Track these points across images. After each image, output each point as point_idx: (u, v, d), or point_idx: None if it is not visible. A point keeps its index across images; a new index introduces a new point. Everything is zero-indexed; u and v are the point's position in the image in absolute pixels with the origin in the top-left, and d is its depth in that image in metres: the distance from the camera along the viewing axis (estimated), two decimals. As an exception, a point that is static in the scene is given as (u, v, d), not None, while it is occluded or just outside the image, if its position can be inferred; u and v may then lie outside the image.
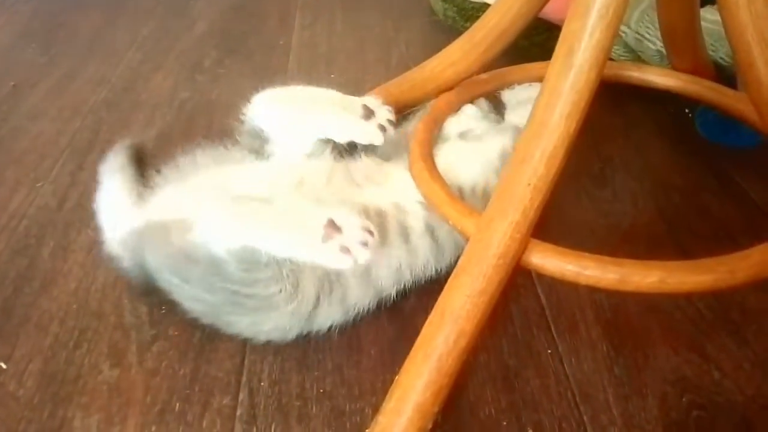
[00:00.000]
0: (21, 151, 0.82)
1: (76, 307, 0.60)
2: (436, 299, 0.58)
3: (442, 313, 0.46)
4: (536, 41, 0.86)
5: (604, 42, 0.45)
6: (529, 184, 0.46)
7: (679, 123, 0.82)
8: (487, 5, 1.01)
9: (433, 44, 1.07)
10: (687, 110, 0.83)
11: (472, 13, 1.04)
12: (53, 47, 1.09)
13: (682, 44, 0.68)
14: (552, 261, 0.47)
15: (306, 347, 0.56)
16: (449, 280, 0.47)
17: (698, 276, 0.46)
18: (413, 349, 0.47)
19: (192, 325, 0.58)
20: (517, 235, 0.46)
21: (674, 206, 0.69)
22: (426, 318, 0.54)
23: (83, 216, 0.71)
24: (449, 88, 0.69)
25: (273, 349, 0.56)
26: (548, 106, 0.46)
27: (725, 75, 0.72)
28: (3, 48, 1.10)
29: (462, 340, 0.45)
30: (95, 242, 0.67)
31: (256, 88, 0.93)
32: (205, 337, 0.57)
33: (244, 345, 0.56)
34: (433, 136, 0.65)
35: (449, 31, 1.09)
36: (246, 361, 0.55)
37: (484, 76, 0.70)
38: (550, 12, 0.65)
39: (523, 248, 0.47)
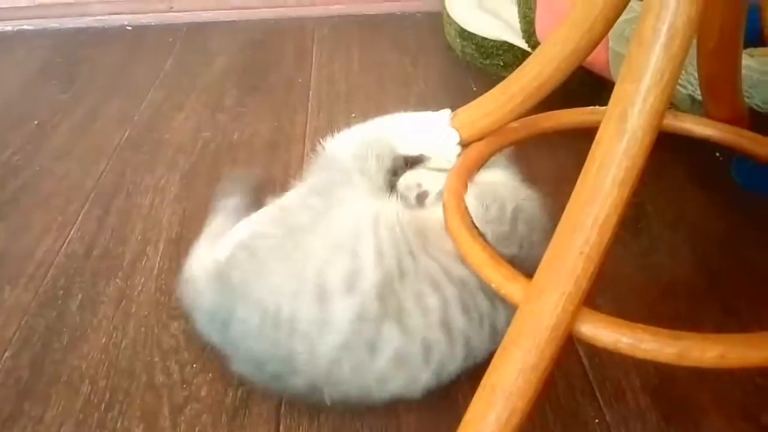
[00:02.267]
0: (47, 194, 0.81)
1: (107, 365, 0.59)
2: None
3: (493, 389, 0.44)
4: (570, 87, 0.85)
5: (658, 107, 0.44)
6: (582, 253, 0.45)
7: (710, 169, 0.81)
8: (507, 43, 1.01)
9: (452, 81, 1.09)
10: (718, 154, 0.81)
11: (491, 51, 1.04)
12: (75, 83, 1.08)
13: (721, 92, 0.67)
14: (605, 332, 0.46)
15: (342, 412, 0.54)
16: (498, 353, 0.46)
17: (761, 351, 0.44)
18: (462, 425, 0.45)
19: (225, 385, 0.56)
20: (570, 307, 0.45)
21: (714, 259, 0.68)
22: (463, 385, 0.54)
23: (111, 265, 0.70)
24: (480, 138, 0.68)
25: (308, 413, 0.54)
26: (600, 172, 0.45)
27: (762, 122, 0.71)
28: (24, 84, 1.10)
29: (514, 418, 0.44)
30: (124, 294, 0.66)
31: (278, 128, 0.93)
32: (237, 400, 0.56)
33: (277, 409, 0.55)
34: (467, 188, 0.63)
35: (467, 67, 1.09)
36: (281, 427, 0.53)
37: (514, 124, 0.69)
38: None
39: (575, 319, 0.45)
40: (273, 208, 0.63)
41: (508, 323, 0.52)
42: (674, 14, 0.42)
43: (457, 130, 0.67)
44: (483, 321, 0.53)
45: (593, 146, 0.46)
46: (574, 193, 0.46)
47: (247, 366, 0.54)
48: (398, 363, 0.51)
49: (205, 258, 0.60)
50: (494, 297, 0.54)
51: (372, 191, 0.59)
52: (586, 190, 0.46)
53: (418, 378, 0.51)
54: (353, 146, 0.62)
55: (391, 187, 0.63)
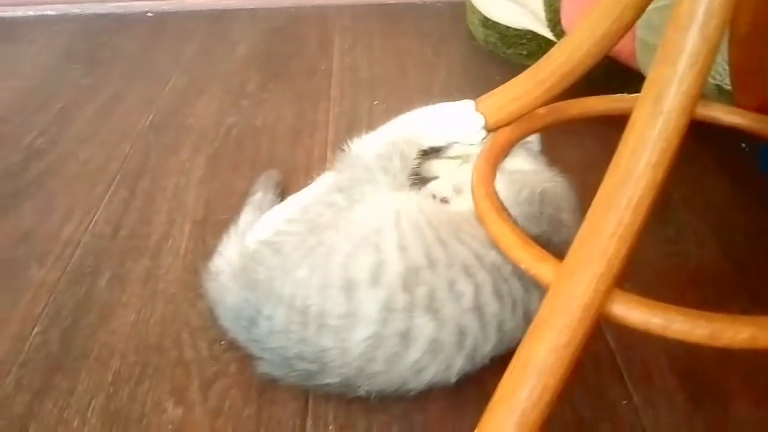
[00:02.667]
0: (72, 176, 0.82)
1: (136, 341, 0.60)
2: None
3: (524, 366, 0.45)
4: (595, 75, 0.85)
5: (693, 89, 0.44)
6: (615, 234, 0.45)
7: (736, 158, 0.80)
8: (531, 32, 1.01)
9: (475, 70, 1.09)
10: (744, 145, 0.81)
11: (515, 40, 1.04)
12: (97, 68, 1.09)
13: (751, 82, 0.67)
14: (636, 313, 0.46)
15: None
16: (529, 331, 0.46)
17: (791, 332, 0.45)
18: (493, 402, 0.45)
19: (252, 362, 0.57)
20: (602, 287, 0.45)
21: (740, 247, 0.68)
22: (489, 365, 0.54)
23: (139, 245, 0.70)
24: (507, 123, 0.68)
25: (336, 390, 0.55)
26: (634, 153, 0.45)
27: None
28: (47, 68, 1.11)
29: (546, 395, 0.44)
30: (151, 273, 0.67)
31: (301, 114, 0.94)
32: (267, 374, 0.56)
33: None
34: (495, 173, 0.64)
35: (490, 56, 1.09)
36: (310, 402, 0.54)
37: (542, 110, 0.69)
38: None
39: (606, 299, 0.46)
40: (295, 204, 0.64)
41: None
42: (711, -4, 0.42)
43: (483, 116, 0.67)
44: (516, 305, 0.53)
45: (627, 128, 0.46)
46: (607, 175, 0.46)
47: (274, 366, 0.54)
48: (432, 351, 0.51)
49: (230, 254, 0.61)
50: (527, 281, 0.54)
51: (395, 189, 0.60)
52: (620, 171, 0.46)
53: (453, 364, 0.52)
54: (378, 146, 0.63)
55: (415, 183, 0.64)
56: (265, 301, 0.53)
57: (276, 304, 0.52)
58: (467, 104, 0.67)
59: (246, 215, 0.67)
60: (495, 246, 0.55)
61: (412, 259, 0.52)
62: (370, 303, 0.50)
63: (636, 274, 0.64)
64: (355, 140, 0.65)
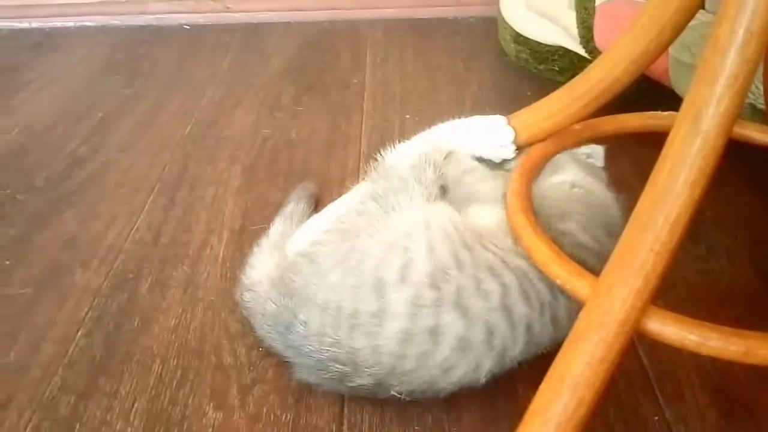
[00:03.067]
0: (114, 184, 0.85)
1: (177, 345, 0.61)
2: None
3: (561, 379, 0.45)
4: (627, 93, 0.85)
5: (732, 110, 0.45)
6: (652, 250, 0.46)
7: (768, 177, 0.80)
8: (563, 48, 1.02)
9: (507, 85, 1.10)
10: (777, 164, 0.81)
11: (547, 56, 1.05)
12: (136, 79, 1.13)
13: (787, 102, 0.67)
14: (672, 329, 0.46)
15: (404, 400, 0.56)
16: (565, 344, 0.47)
17: (827, 352, 0.45)
18: (528, 414, 0.46)
19: (289, 369, 0.58)
20: (638, 303, 0.45)
21: (773, 266, 0.68)
22: (523, 378, 0.55)
23: (178, 252, 0.73)
24: (543, 138, 0.69)
25: (371, 398, 0.56)
26: (673, 171, 0.46)
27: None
28: (87, 79, 1.14)
29: (581, 409, 0.45)
30: (191, 280, 0.69)
31: (335, 127, 0.96)
32: (303, 382, 0.58)
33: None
34: (530, 188, 0.64)
35: (521, 72, 1.10)
36: (345, 410, 0.55)
37: (576, 126, 0.70)
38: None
39: (642, 315, 0.46)
40: (331, 214, 0.66)
41: (567, 315, 0.54)
42: (750, 18, 0.43)
43: (517, 131, 0.68)
44: (544, 309, 0.54)
45: (666, 146, 0.47)
46: (645, 192, 0.47)
47: (309, 370, 0.55)
48: (461, 349, 0.52)
49: (265, 264, 0.62)
50: (554, 287, 0.54)
51: (427, 198, 0.61)
52: (657, 188, 0.46)
53: (482, 364, 0.52)
54: (411, 156, 0.64)
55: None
56: (301, 307, 0.55)
57: (311, 309, 0.54)
58: (499, 119, 0.68)
59: (277, 225, 0.69)
60: (530, 260, 0.56)
61: (439, 260, 0.53)
62: (398, 299, 0.52)
63: (669, 291, 0.65)
64: (389, 150, 0.66)
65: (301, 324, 0.54)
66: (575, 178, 0.63)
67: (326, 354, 0.53)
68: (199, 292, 0.67)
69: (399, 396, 0.53)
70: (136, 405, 0.56)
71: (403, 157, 0.65)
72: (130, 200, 0.82)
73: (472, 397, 0.55)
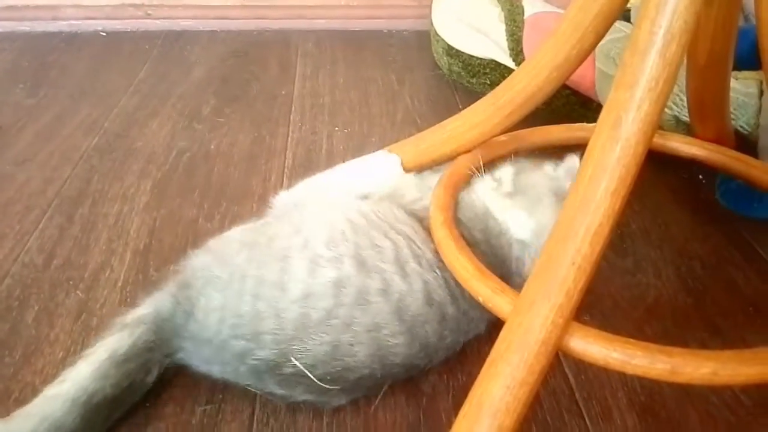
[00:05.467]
0: (6, 201, 0.77)
1: (63, 381, 0.54)
2: (456, 377, 0.55)
3: (480, 406, 0.42)
4: (555, 106, 0.85)
5: (653, 115, 0.43)
6: (573, 264, 0.43)
7: (693, 189, 0.80)
8: (494, 62, 1.01)
9: (439, 98, 1.07)
10: (701, 176, 0.81)
11: (478, 69, 1.04)
12: (42, 89, 1.04)
13: (709, 112, 0.67)
14: (595, 347, 0.44)
15: (319, 430, 0.51)
16: (484, 368, 0.43)
17: (752, 367, 0.43)
18: (447, 444, 0.42)
19: (192, 402, 0.53)
20: (559, 320, 0.43)
21: (698, 278, 0.67)
22: (447, 399, 0.52)
23: (72, 275, 0.65)
24: (468, 150, 0.66)
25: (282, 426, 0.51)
26: (592, 180, 0.44)
27: (745, 144, 0.71)
28: (-13, 88, 1.05)
29: (502, 437, 0.41)
30: (85, 306, 0.62)
31: (258, 140, 0.91)
32: (206, 415, 0.52)
33: (250, 426, 0.51)
34: (455, 201, 0.61)
35: (454, 85, 1.08)
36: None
37: (503, 137, 0.68)
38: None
39: (565, 333, 0.43)
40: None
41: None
42: (671, 19, 0.41)
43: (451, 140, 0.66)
44: (433, 268, 0.54)
45: (585, 155, 0.45)
46: (565, 203, 0.45)
47: (209, 359, 0.52)
48: (361, 304, 0.50)
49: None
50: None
51: None
52: (578, 199, 0.44)
53: (384, 322, 0.51)
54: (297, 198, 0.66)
55: None
56: (201, 290, 0.53)
57: (212, 290, 0.52)
58: (379, 153, 0.69)
59: None
60: (452, 274, 0.53)
61: (335, 230, 0.55)
62: (300, 265, 0.52)
63: (595, 306, 0.63)
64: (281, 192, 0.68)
65: (201, 310, 0.52)
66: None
67: (226, 333, 0.50)
68: (93, 320, 0.60)
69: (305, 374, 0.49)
70: (9, 451, 0.49)
71: (290, 197, 0.67)
72: (21, 218, 0.74)
73: (392, 425, 0.51)
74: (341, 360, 0.49)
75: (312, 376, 0.49)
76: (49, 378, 0.54)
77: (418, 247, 0.55)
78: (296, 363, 0.49)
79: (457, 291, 0.54)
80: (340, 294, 0.50)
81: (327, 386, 0.49)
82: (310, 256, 0.52)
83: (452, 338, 0.55)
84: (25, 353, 0.57)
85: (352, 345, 0.49)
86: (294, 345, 0.49)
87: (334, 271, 0.51)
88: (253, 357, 0.50)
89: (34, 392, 0.53)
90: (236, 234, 0.59)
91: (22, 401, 0.52)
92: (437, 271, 0.54)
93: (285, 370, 0.49)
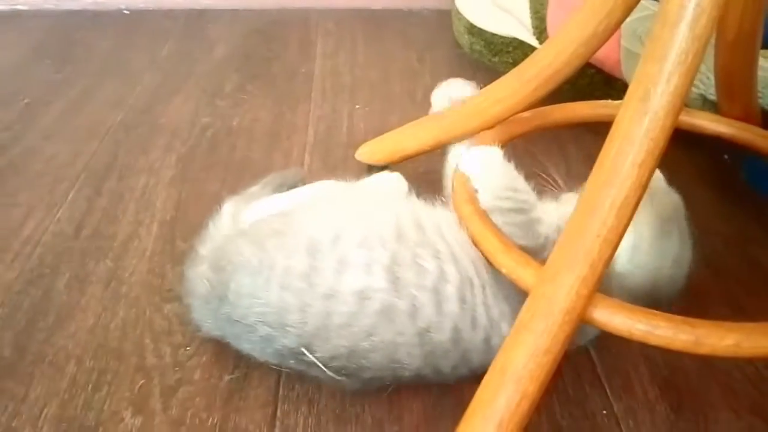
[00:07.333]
0: (35, 174, 0.78)
1: (95, 345, 0.56)
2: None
3: (503, 373, 0.43)
4: (580, 85, 0.84)
5: (681, 88, 0.42)
6: (599, 236, 0.43)
7: (719, 168, 0.80)
8: (517, 40, 1.00)
9: (460, 77, 1.06)
10: (726, 156, 0.81)
11: (501, 48, 1.03)
12: (68, 65, 1.06)
13: (737, 90, 0.66)
14: (619, 318, 0.44)
15: (342, 400, 0.52)
16: (509, 337, 0.44)
17: (777, 340, 0.43)
18: (469, 410, 0.43)
19: (220, 369, 0.54)
20: (584, 291, 0.43)
21: (721, 257, 0.67)
22: (469, 376, 0.51)
23: (101, 245, 0.67)
24: (492, 126, 0.66)
25: (307, 399, 0.52)
26: (620, 153, 0.44)
27: (772, 123, 0.70)
28: (15, 64, 1.07)
29: (525, 403, 0.42)
30: (114, 275, 0.63)
31: (279, 116, 0.92)
32: (233, 382, 0.53)
33: (276, 393, 0.52)
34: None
35: (475, 64, 1.08)
36: (279, 412, 0.51)
37: (526, 114, 0.68)
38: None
39: (589, 304, 0.44)
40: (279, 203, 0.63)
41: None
42: (701, -8, 0.41)
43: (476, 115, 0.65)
44: (476, 323, 0.50)
45: (613, 127, 0.45)
46: (591, 175, 0.45)
47: (239, 337, 0.52)
48: (386, 316, 0.49)
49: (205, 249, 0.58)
50: (492, 314, 0.51)
51: None
52: (604, 171, 0.44)
53: (403, 334, 0.49)
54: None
55: None
56: (233, 275, 0.52)
57: (243, 274, 0.52)
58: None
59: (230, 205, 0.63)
60: (477, 248, 0.53)
61: (376, 229, 0.52)
62: (330, 263, 0.50)
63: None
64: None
65: (232, 293, 0.51)
66: None
67: (254, 318, 0.50)
68: (123, 287, 0.62)
69: (323, 368, 0.49)
70: (46, 410, 0.51)
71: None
72: (51, 190, 0.75)
73: (415, 396, 0.52)
74: (357, 361, 0.49)
75: (327, 371, 0.49)
76: (81, 342, 0.56)
77: (471, 291, 0.51)
78: (312, 357, 0.49)
79: (494, 348, 0.49)
80: (363, 305, 0.49)
81: (341, 378, 0.50)
82: (339, 254, 0.50)
83: (466, 371, 0.52)
84: (58, 318, 0.59)
85: (369, 351, 0.49)
86: (314, 341, 0.49)
87: (360, 280, 0.49)
88: (278, 344, 0.50)
89: (67, 356, 0.55)
90: (269, 214, 0.58)
91: (55, 364, 0.54)
92: (481, 326, 0.50)
93: (306, 358, 0.50)
